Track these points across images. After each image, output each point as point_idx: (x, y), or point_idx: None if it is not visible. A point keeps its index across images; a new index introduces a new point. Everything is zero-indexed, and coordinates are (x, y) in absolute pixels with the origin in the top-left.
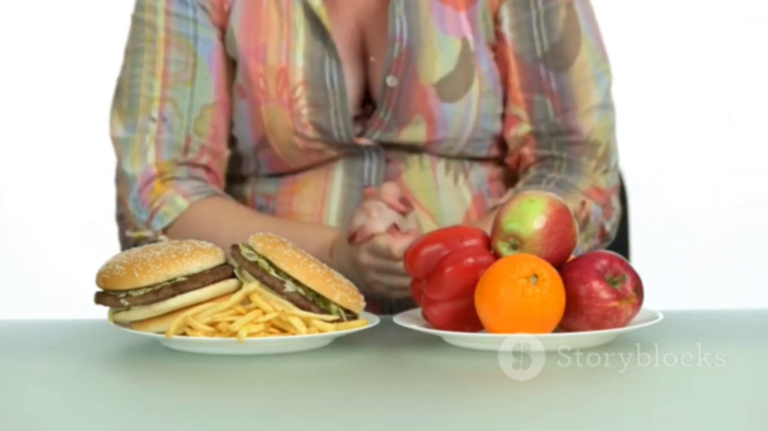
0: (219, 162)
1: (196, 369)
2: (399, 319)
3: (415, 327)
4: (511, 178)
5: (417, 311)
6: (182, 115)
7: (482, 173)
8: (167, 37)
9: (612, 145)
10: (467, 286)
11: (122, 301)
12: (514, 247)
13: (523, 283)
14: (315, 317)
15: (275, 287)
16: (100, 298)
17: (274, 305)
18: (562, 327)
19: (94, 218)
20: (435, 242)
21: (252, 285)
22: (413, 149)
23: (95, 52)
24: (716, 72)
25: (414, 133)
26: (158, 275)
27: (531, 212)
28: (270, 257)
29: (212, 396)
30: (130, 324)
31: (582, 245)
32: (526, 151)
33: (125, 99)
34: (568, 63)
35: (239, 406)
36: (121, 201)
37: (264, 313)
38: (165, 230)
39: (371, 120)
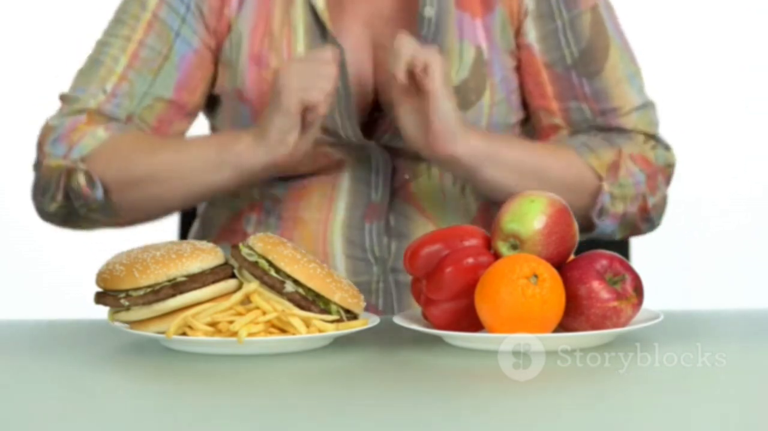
0: None
1: (196, 369)
2: (399, 319)
3: (415, 326)
4: None
5: (417, 311)
6: (133, 97)
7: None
8: (152, 20)
9: (658, 135)
10: (467, 286)
11: (122, 301)
12: (514, 247)
13: (523, 283)
14: (315, 317)
15: (275, 287)
16: (100, 298)
17: (274, 305)
18: (562, 327)
19: None
20: (435, 242)
21: (252, 285)
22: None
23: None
24: (712, 72)
25: None
26: (158, 275)
27: (531, 212)
28: (270, 257)
29: (212, 396)
30: (130, 324)
31: (615, 206)
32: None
33: (87, 63)
34: (599, 68)
35: (239, 406)
36: (38, 148)
37: (264, 313)
38: (84, 159)
39: (380, 122)
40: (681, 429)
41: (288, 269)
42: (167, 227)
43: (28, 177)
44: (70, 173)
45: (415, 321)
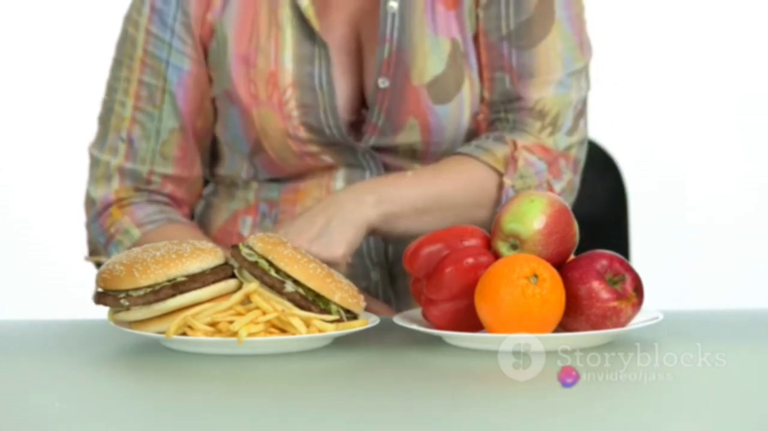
0: (187, 187)
1: (196, 369)
2: (399, 319)
3: (415, 327)
4: None
5: (417, 312)
6: (149, 138)
7: None
8: (143, 57)
9: (565, 118)
10: (467, 286)
11: (122, 301)
12: (514, 247)
13: (523, 283)
14: (315, 318)
15: (275, 287)
16: (100, 298)
17: (274, 305)
18: (562, 326)
19: None
20: (435, 242)
21: (252, 285)
22: (411, 153)
23: (99, 52)
24: (710, 72)
25: (409, 136)
26: (158, 275)
27: (531, 212)
28: (270, 257)
29: (212, 396)
30: (130, 324)
31: (521, 188)
32: (480, 118)
33: (103, 109)
34: (533, 43)
35: (239, 406)
36: (85, 213)
37: (264, 313)
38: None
39: (365, 125)
40: (681, 428)
41: (288, 269)
42: None
43: (32, 177)
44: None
45: (415, 321)
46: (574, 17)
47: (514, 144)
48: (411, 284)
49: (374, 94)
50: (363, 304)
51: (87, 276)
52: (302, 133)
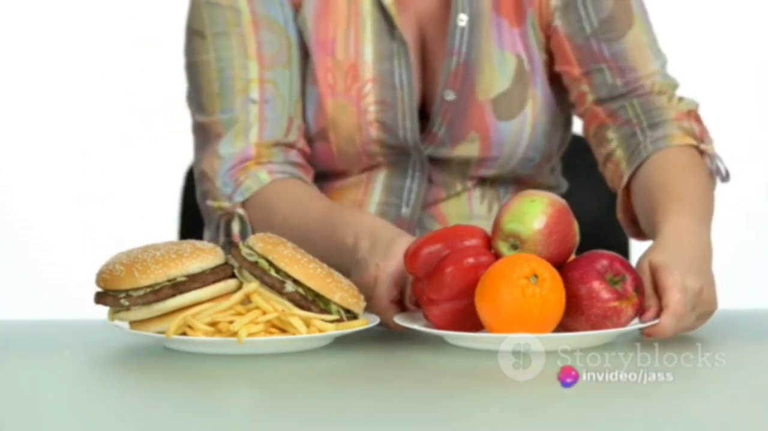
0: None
1: (196, 369)
2: (399, 319)
3: (416, 326)
4: None
5: (417, 312)
6: (284, 96)
7: None
8: (255, 19)
9: (677, 93)
10: (467, 286)
11: (122, 301)
12: (515, 247)
13: (523, 283)
14: (315, 317)
15: (275, 287)
16: (100, 298)
17: (274, 305)
18: (562, 326)
19: (94, 218)
20: (435, 242)
21: (252, 285)
22: (463, 167)
23: (101, 52)
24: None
25: (467, 149)
26: (158, 275)
27: (531, 212)
28: (270, 257)
29: (212, 395)
30: (130, 324)
31: (711, 151)
32: (596, 110)
33: (215, 83)
34: (620, 34)
35: (239, 406)
36: (206, 177)
37: (264, 313)
38: (243, 204)
39: (424, 134)
40: (681, 428)
41: (288, 269)
42: (167, 228)
43: (31, 176)
44: (229, 217)
45: (416, 321)
46: (646, 14)
47: (700, 150)
48: (412, 284)
49: (439, 104)
50: (363, 304)
51: (87, 276)
52: (374, 130)
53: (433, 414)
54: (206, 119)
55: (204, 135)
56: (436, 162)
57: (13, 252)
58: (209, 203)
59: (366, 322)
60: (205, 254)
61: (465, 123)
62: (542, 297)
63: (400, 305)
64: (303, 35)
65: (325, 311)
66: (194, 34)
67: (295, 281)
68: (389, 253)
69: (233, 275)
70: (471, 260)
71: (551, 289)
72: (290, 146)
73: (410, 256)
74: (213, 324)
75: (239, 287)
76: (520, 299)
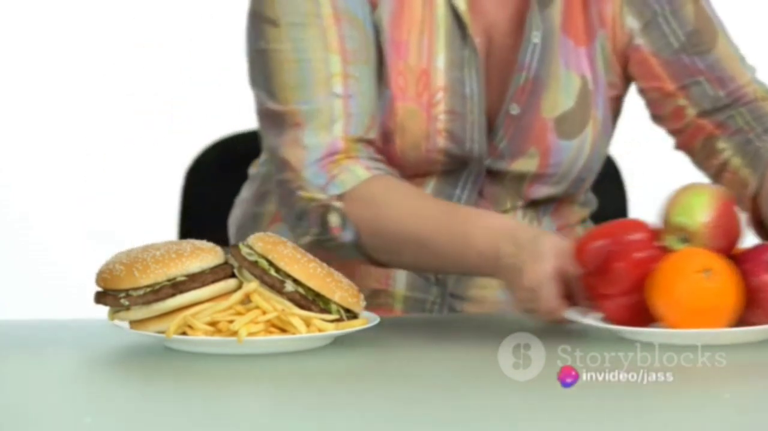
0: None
1: (196, 369)
2: (572, 315)
3: (591, 322)
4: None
5: (584, 308)
6: (365, 93)
7: (552, 222)
8: (336, 13)
9: None
10: (637, 280)
11: (122, 301)
12: (684, 240)
13: (698, 277)
14: (315, 317)
15: (275, 287)
16: (100, 298)
17: (274, 305)
18: (741, 320)
19: (94, 218)
20: (601, 237)
21: (252, 285)
22: (517, 182)
23: (101, 53)
24: None
25: (525, 164)
26: (158, 274)
27: (698, 205)
28: (270, 257)
29: (212, 395)
30: (130, 324)
31: None
32: (701, 122)
33: (291, 73)
34: (709, 47)
35: (239, 406)
36: (289, 166)
37: (264, 313)
38: (340, 197)
39: (487, 147)
40: (680, 428)
41: (288, 269)
42: (167, 227)
43: (32, 177)
44: (324, 210)
45: (586, 317)
46: (724, 25)
47: None
48: (581, 278)
49: (503, 117)
50: (363, 303)
51: (87, 276)
52: (441, 139)
53: (433, 414)
54: (281, 108)
55: (278, 122)
56: (491, 175)
57: (13, 252)
58: (300, 193)
59: (366, 322)
60: (205, 254)
61: (526, 138)
62: (717, 290)
63: (568, 301)
64: (378, 34)
65: (325, 310)
66: (264, 21)
67: (295, 281)
68: (540, 253)
69: (233, 275)
70: (639, 254)
71: (725, 282)
72: (370, 143)
73: (578, 251)
74: (213, 324)
75: (239, 286)
76: (696, 293)
